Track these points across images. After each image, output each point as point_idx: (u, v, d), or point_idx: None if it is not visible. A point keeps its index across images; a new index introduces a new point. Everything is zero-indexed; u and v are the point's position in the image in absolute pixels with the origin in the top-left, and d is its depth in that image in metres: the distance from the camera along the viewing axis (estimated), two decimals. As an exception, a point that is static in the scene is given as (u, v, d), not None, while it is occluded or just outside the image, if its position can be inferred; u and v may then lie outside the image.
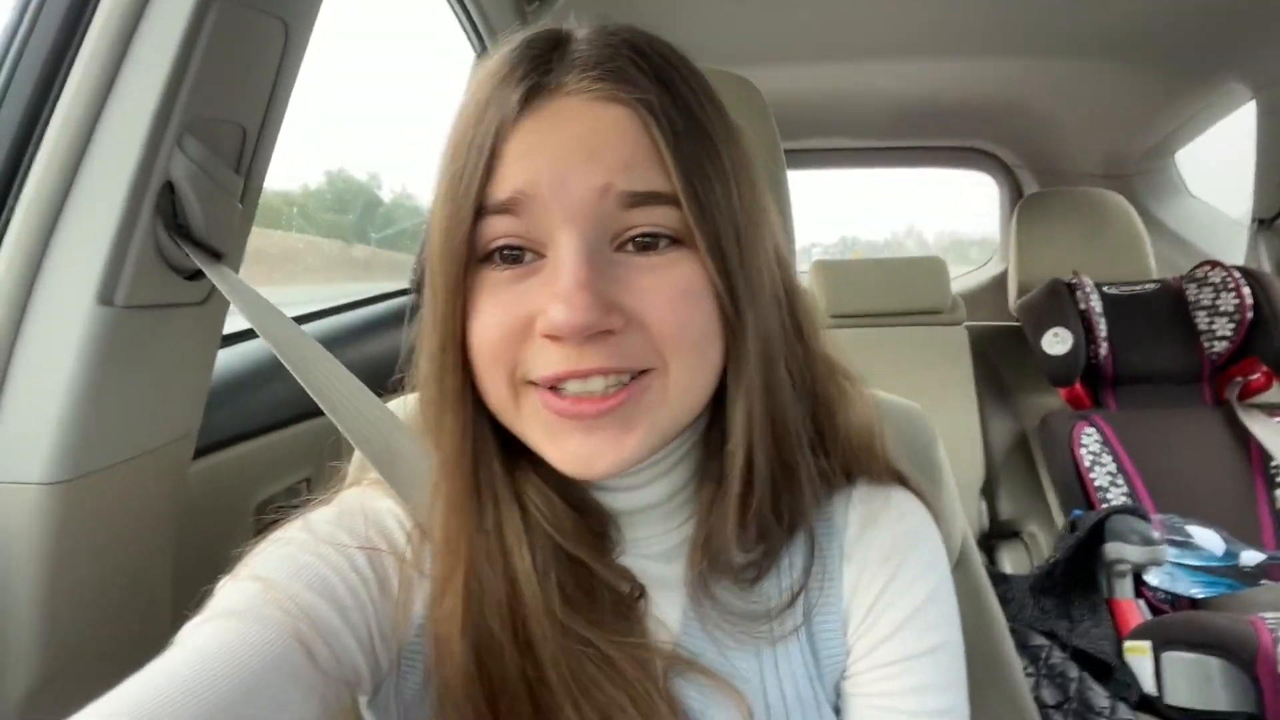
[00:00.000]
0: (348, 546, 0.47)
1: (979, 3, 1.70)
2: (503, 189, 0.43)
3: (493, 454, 0.48)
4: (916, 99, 2.28)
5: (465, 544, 0.46)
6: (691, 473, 0.52)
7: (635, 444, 0.44)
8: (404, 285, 1.71)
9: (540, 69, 0.45)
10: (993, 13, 1.74)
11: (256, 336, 1.04)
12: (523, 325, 0.43)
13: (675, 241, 0.44)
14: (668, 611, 0.51)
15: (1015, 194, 2.76)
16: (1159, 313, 1.90)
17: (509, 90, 0.44)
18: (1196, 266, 1.89)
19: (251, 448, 0.97)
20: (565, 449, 0.44)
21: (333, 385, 0.59)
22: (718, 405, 0.49)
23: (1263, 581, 1.45)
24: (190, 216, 0.71)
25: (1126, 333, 1.88)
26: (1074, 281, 1.93)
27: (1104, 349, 1.85)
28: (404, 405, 0.66)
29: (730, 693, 0.49)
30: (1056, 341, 1.84)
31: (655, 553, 0.52)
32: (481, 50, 1.58)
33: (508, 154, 0.43)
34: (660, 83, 0.44)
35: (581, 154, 0.43)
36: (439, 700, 0.46)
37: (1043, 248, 2.10)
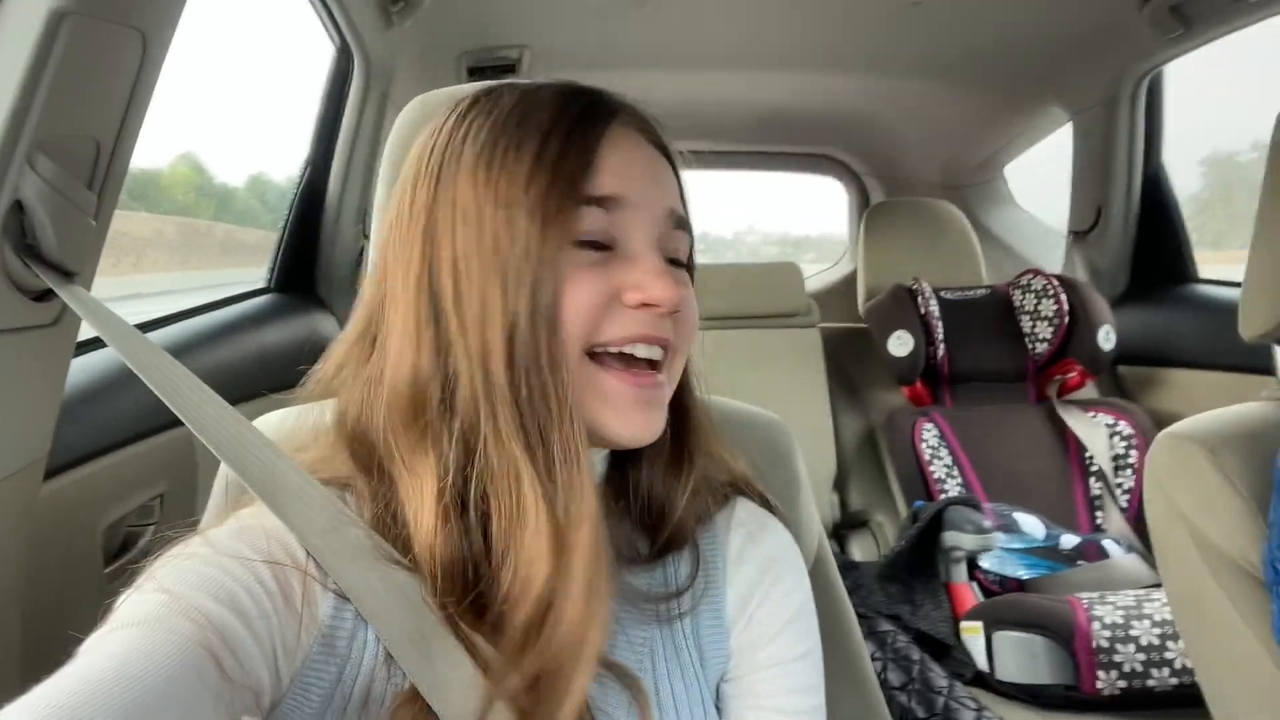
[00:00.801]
0: (251, 560, 0.47)
1: (830, 23, 1.79)
2: (602, 187, 0.51)
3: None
4: (775, 108, 2.37)
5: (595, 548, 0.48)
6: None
7: (664, 417, 0.54)
8: (255, 285, 1.64)
9: (608, 104, 0.55)
10: (842, 32, 1.84)
11: (102, 346, 0.97)
12: (610, 297, 0.50)
13: (682, 265, 0.56)
14: None
15: (863, 199, 2.91)
16: (989, 317, 2.06)
17: (594, 112, 0.53)
18: (1021, 274, 2.06)
19: (100, 466, 0.91)
20: (630, 418, 0.51)
21: (201, 409, 0.57)
22: None
23: (1079, 562, 1.60)
24: (40, 237, 0.68)
25: (961, 335, 2.03)
26: (915, 287, 2.06)
27: (941, 350, 1.99)
28: (267, 424, 0.64)
29: (631, 682, 0.52)
30: (899, 344, 1.96)
31: None
32: (341, 46, 1.53)
33: (604, 159, 0.52)
34: (669, 140, 0.57)
35: (655, 177, 0.54)
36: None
37: (887, 253, 2.23)
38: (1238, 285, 2.03)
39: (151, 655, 0.39)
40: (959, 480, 1.84)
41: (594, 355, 0.51)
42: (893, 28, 1.77)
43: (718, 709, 0.58)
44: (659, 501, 0.58)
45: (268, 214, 2.03)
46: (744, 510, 0.62)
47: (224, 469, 0.64)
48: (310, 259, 1.72)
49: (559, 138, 0.51)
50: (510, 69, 1.85)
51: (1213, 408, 2.01)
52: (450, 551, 0.48)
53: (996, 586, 1.62)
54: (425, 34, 1.56)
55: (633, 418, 0.51)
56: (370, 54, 1.53)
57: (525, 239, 0.48)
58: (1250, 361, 1.70)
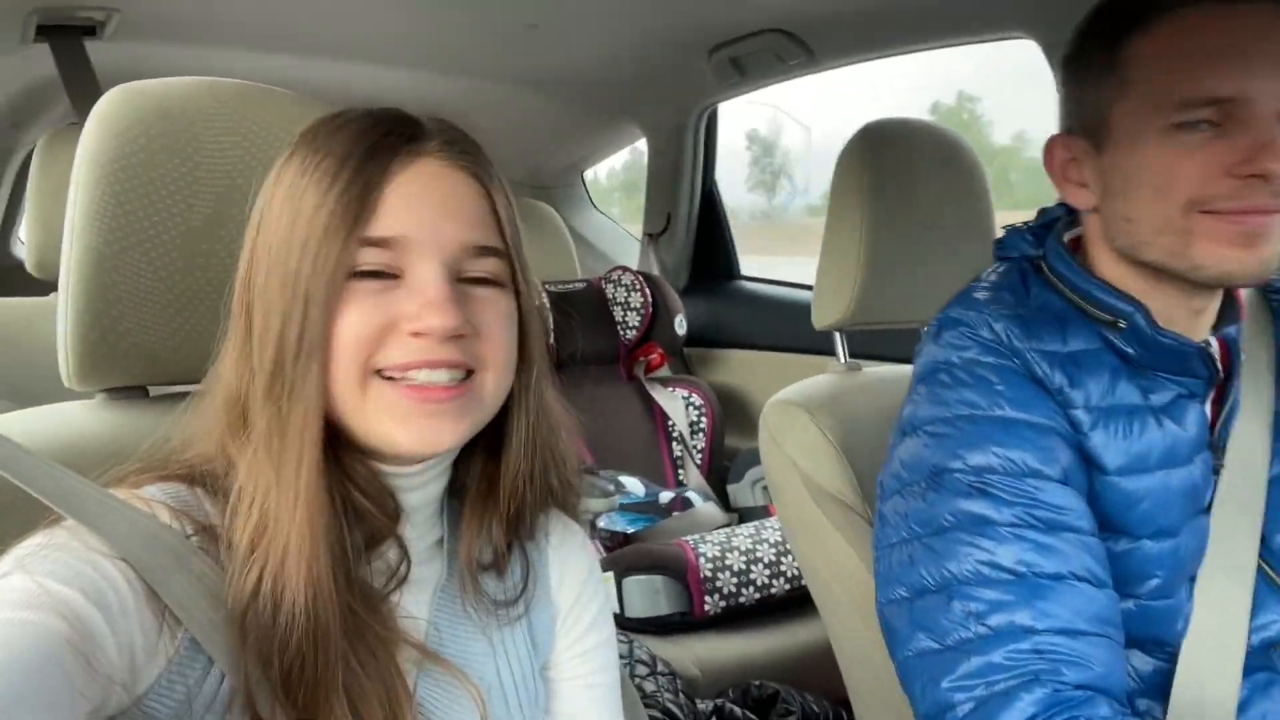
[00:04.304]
0: (116, 557, 0.48)
1: (428, 23, 1.85)
2: (382, 229, 0.54)
3: (322, 447, 0.53)
4: (381, 101, 2.36)
5: (310, 528, 0.51)
6: (445, 488, 0.64)
7: (464, 429, 0.56)
8: None
9: (409, 134, 0.56)
10: (439, 34, 1.91)
11: None
12: (387, 324, 0.53)
13: (497, 284, 0.58)
14: (415, 610, 0.59)
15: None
16: (587, 307, 2.32)
17: (387, 145, 0.55)
18: (612, 270, 2.36)
19: None
20: (413, 429, 0.54)
21: None
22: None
23: (675, 513, 1.93)
24: None
25: (565, 323, 2.26)
26: (527, 280, 2.25)
27: (551, 337, 2.20)
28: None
29: (469, 687, 0.58)
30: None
31: (413, 555, 0.60)
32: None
33: (387, 200, 0.54)
34: (488, 166, 0.60)
35: (446, 211, 0.55)
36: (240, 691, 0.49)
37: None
38: (770, 282, 2.54)
39: (16, 648, 0.40)
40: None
41: (381, 373, 0.54)
42: (503, 42, 1.91)
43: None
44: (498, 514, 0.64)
45: None
46: (559, 526, 0.70)
47: None
48: None
49: (344, 178, 0.54)
50: (90, 31, 1.62)
51: (758, 380, 2.49)
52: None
53: (609, 542, 1.88)
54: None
55: (417, 426, 0.54)
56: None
57: (306, 272, 0.53)
58: (783, 342, 2.19)
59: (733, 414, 2.27)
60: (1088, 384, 0.80)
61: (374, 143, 0.55)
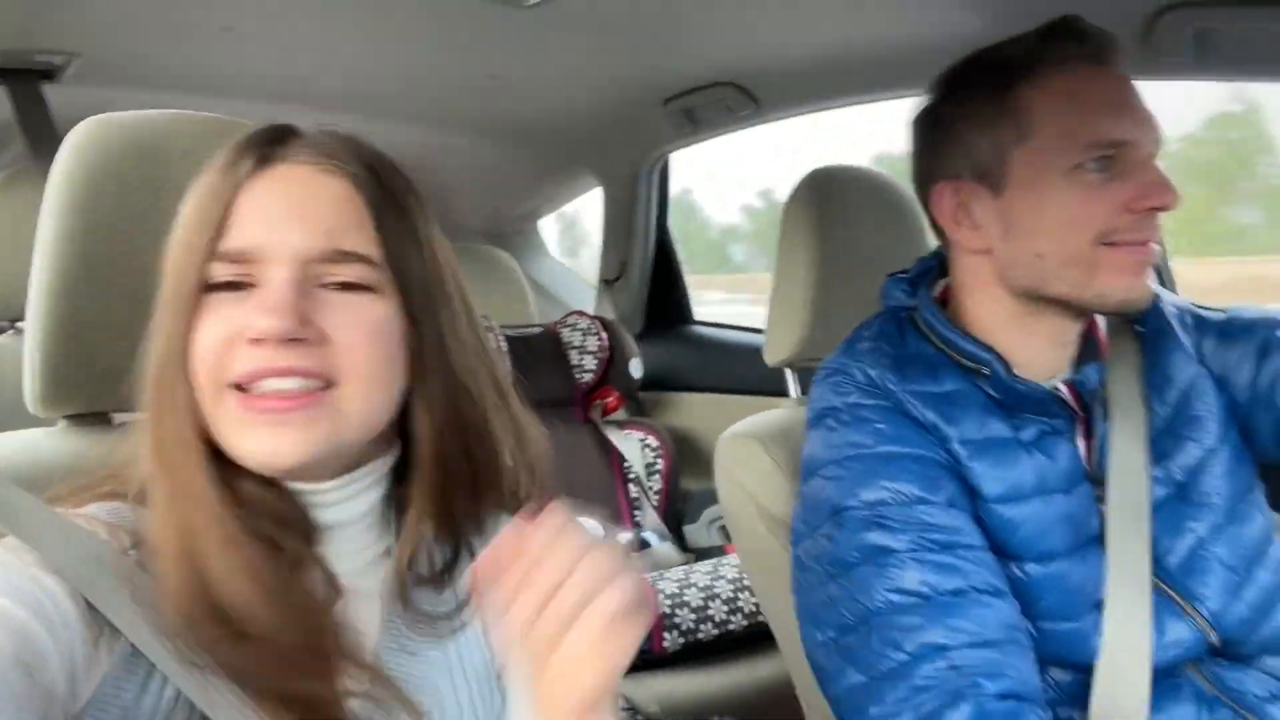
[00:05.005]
0: (52, 573, 0.48)
1: (389, 71, 1.89)
2: (232, 243, 0.54)
3: (206, 457, 0.54)
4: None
5: (191, 540, 0.51)
6: (385, 496, 0.63)
7: (316, 441, 0.54)
8: None
9: (272, 143, 0.57)
10: (399, 83, 1.95)
11: None
12: (233, 335, 0.53)
13: (370, 289, 0.56)
14: (367, 620, 0.60)
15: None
16: (543, 351, 2.34)
17: (244, 157, 0.56)
18: (568, 315, 2.39)
19: None
20: (256, 441, 0.53)
21: None
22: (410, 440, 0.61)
23: (632, 554, 1.93)
24: None
25: (521, 367, 2.26)
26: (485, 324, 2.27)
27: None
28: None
29: (409, 706, 0.57)
30: (479, 376, 2.15)
31: (351, 568, 0.60)
32: None
33: (239, 212, 0.54)
34: (369, 166, 0.58)
35: (299, 217, 0.54)
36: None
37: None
38: (722, 326, 2.58)
39: None
40: (529, 496, 2.08)
41: (236, 386, 0.54)
42: (463, 92, 1.96)
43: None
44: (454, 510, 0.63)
45: None
46: (509, 519, 0.67)
47: None
48: None
49: (200, 193, 0.56)
50: (48, 75, 1.62)
51: (713, 422, 2.52)
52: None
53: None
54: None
55: (260, 437, 0.53)
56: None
57: (172, 288, 0.55)
58: (737, 385, 2.23)
59: (688, 456, 2.30)
60: (961, 420, 0.87)
61: (233, 158, 0.56)
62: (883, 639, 0.77)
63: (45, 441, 0.74)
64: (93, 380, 0.72)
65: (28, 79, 1.60)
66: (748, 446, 1.14)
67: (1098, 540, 0.86)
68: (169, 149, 0.74)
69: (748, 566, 1.18)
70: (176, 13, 1.48)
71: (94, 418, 0.76)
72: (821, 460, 0.90)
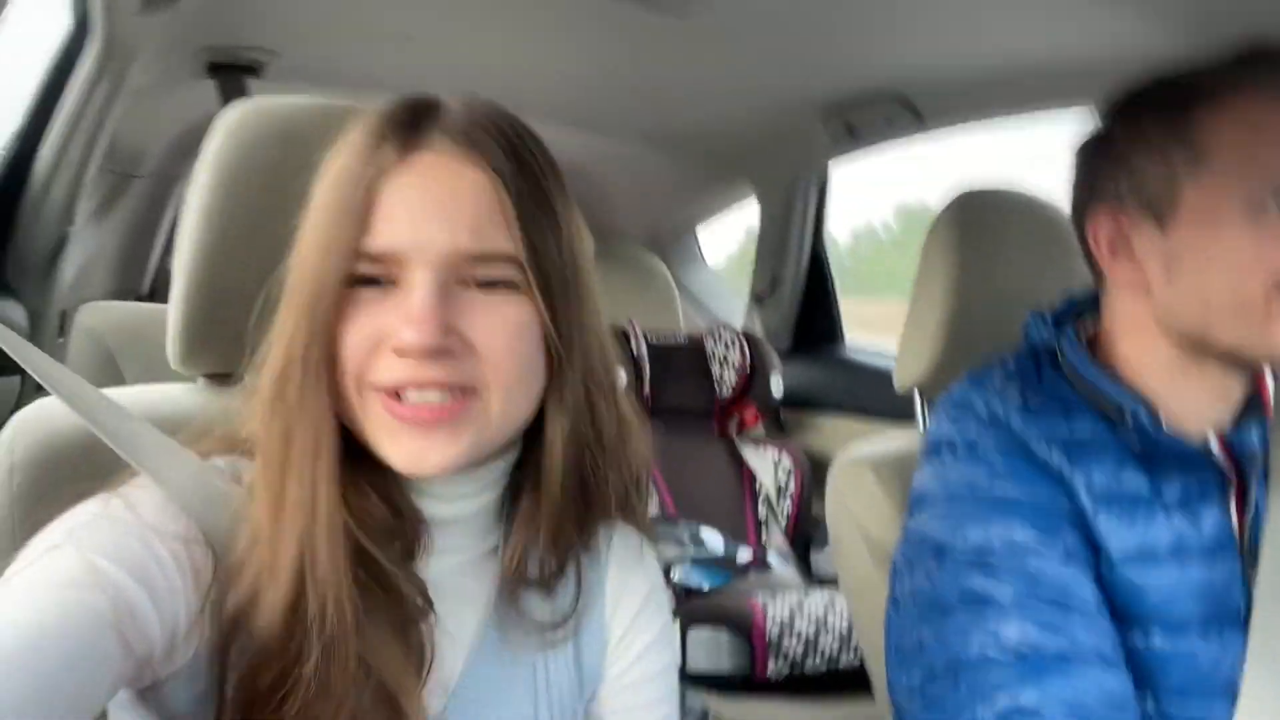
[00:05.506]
0: (168, 534, 0.49)
1: (561, 78, 1.95)
2: (376, 242, 0.51)
3: (335, 453, 0.52)
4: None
5: (293, 538, 0.50)
6: (501, 495, 0.61)
7: (462, 450, 0.52)
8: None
9: (411, 128, 0.54)
10: (571, 90, 2.00)
11: None
12: (379, 339, 0.51)
13: (513, 286, 0.53)
14: (462, 626, 0.58)
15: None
16: (686, 361, 2.35)
17: (384, 149, 0.53)
18: (713, 327, 2.38)
19: None
20: (403, 447, 0.52)
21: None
22: (532, 439, 0.59)
23: (751, 572, 1.90)
24: None
25: (663, 375, 2.29)
26: (628, 330, 2.30)
27: (647, 387, 2.24)
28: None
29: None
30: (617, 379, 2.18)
31: (458, 564, 0.59)
32: (79, 22, 1.41)
33: (381, 207, 0.52)
34: (512, 153, 0.54)
35: (443, 216, 0.51)
36: (223, 697, 0.49)
37: (604, 298, 2.45)
38: (873, 353, 2.49)
39: (62, 626, 0.41)
40: (655, 499, 2.09)
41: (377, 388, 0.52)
42: (630, 99, 2.00)
43: None
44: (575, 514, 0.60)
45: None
46: (620, 539, 0.66)
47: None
48: (2, 240, 1.54)
49: (340, 180, 0.53)
50: (253, 70, 1.79)
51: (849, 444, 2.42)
52: None
53: (682, 595, 1.87)
54: (177, 23, 1.49)
55: (407, 446, 0.52)
56: (115, 36, 1.43)
57: (308, 278, 0.53)
58: (882, 411, 2.14)
59: (823, 479, 2.22)
60: (1092, 468, 0.79)
61: (374, 141, 0.53)
62: (970, 692, 0.71)
63: (184, 396, 0.81)
64: (226, 342, 0.79)
65: (235, 75, 1.78)
66: (860, 473, 1.09)
67: (1238, 620, 0.76)
68: (311, 135, 0.80)
69: (851, 600, 1.12)
70: (368, 19, 1.59)
71: (227, 377, 0.83)
72: (931, 495, 0.84)
